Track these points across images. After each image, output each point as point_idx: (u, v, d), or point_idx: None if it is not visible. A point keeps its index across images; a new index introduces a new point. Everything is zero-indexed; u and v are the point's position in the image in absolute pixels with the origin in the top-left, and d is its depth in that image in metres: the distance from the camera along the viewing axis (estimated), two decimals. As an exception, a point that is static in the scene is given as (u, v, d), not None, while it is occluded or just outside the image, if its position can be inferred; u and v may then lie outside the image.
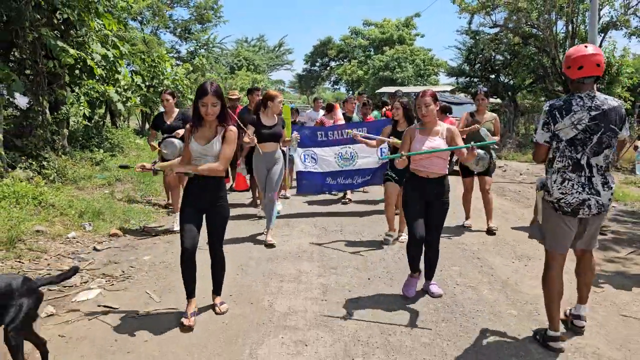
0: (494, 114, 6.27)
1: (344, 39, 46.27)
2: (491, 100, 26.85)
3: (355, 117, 8.91)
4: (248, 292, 4.19)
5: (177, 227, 5.91)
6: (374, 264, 4.97)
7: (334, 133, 7.44)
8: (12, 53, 8.91)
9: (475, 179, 6.34)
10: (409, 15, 41.53)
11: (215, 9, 20.25)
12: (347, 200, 8.20)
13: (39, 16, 7.68)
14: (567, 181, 3.07)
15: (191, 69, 15.98)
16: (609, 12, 18.67)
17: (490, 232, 6.14)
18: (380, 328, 3.53)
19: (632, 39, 18.26)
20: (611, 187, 3.10)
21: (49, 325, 3.56)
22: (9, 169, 7.28)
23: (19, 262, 4.76)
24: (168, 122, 6.37)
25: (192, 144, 3.49)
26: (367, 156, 7.33)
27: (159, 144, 6.29)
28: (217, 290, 3.85)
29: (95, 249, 5.45)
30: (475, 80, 26.55)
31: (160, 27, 16.61)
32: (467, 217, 6.52)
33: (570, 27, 19.79)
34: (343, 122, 8.15)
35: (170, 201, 7.36)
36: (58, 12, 8.61)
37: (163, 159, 5.86)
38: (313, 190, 7.64)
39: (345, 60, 46.43)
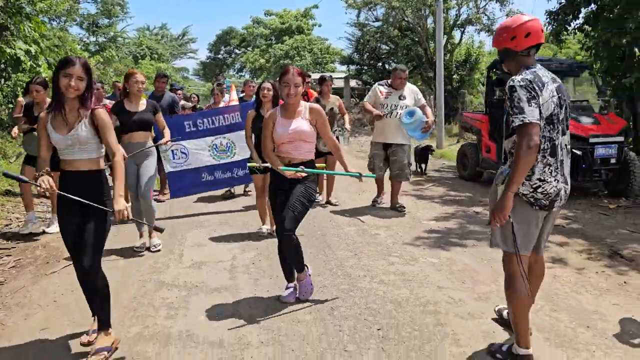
0: (337, 97, 6.96)
1: (246, 28, 47.92)
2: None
3: None
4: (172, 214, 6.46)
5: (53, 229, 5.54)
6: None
7: (203, 122, 6.55)
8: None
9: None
10: (308, 6, 44.07)
11: (122, 4, 21.52)
12: (249, 191, 7.81)
13: (-22, 20, 9.19)
14: (547, 167, 2.63)
15: (101, 60, 17.37)
16: (466, 11, 22.35)
17: (330, 203, 6.82)
18: (259, 224, 5.95)
19: (482, 34, 21.97)
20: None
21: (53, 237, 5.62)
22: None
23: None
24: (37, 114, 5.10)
25: (54, 135, 2.91)
26: (246, 145, 5.94)
27: (25, 134, 5.81)
28: (103, 324, 3.02)
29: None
30: (365, 68, 29.77)
31: (68, 21, 17.75)
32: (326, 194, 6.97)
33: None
34: (236, 102, 7.55)
35: None
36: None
37: (28, 156, 5.69)
38: (190, 192, 6.74)
39: (248, 48, 48.08)
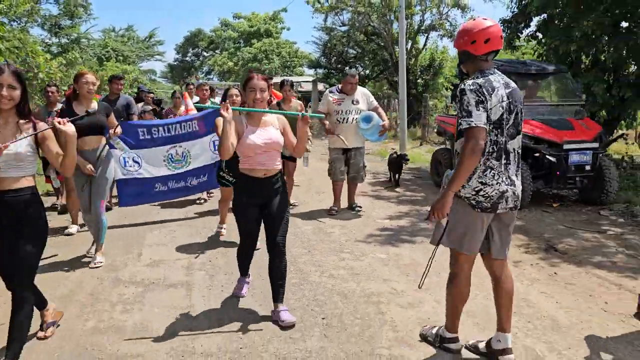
0: (300, 102, 6.88)
1: (214, 31, 47.87)
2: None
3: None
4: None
5: None
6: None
7: (158, 129, 6.19)
8: None
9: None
10: (277, 9, 44.26)
11: (85, 6, 21.28)
12: (201, 200, 7.46)
13: None
14: (489, 170, 2.70)
15: (64, 62, 17.14)
16: (430, 17, 22.92)
17: (291, 205, 6.68)
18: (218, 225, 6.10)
19: (444, 40, 22.63)
20: (520, 177, 2.86)
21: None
22: None
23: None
24: None
25: None
26: (200, 153, 6.40)
27: None
28: (40, 307, 3.22)
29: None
30: (333, 71, 30.14)
31: (29, 22, 17.47)
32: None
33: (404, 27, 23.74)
34: (194, 112, 7.12)
35: None
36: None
37: None
38: (140, 201, 6.31)
39: (216, 51, 47.97)
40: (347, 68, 27.81)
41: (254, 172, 3.40)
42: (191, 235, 5.66)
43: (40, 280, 4.03)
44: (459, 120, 2.67)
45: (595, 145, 6.81)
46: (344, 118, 6.35)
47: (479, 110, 2.62)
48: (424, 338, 3.12)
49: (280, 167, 3.53)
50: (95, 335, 3.28)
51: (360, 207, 6.75)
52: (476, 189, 2.71)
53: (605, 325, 3.34)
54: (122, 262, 4.72)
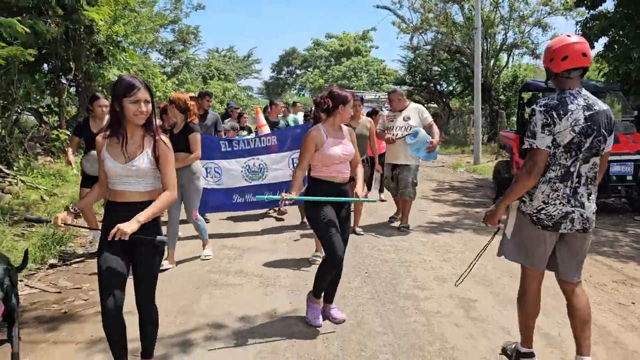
0: (369, 118, 6.77)
1: (307, 50, 50.69)
2: (430, 105, 31.76)
3: (282, 122, 8.58)
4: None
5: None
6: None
7: (239, 143, 6.66)
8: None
9: None
10: (366, 28, 46.13)
11: (195, 33, 24.39)
12: (273, 212, 7.63)
13: (88, 53, 11.63)
14: (554, 192, 2.70)
15: (177, 82, 19.90)
16: (512, 36, 23.45)
17: (355, 233, 6.28)
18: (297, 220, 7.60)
19: (525, 57, 23.04)
20: (594, 200, 2.80)
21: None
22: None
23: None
24: (95, 131, 5.17)
25: (109, 163, 2.63)
26: (278, 168, 6.67)
27: (82, 157, 5.47)
28: (146, 353, 2.90)
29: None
30: (417, 88, 31.26)
31: (149, 48, 20.54)
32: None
33: (486, 45, 24.43)
34: (266, 127, 7.56)
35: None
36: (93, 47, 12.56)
37: (85, 174, 5.40)
38: (219, 210, 6.92)
39: (309, 69, 50.69)
40: (431, 85, 29.13)
41: (333, 178, 3.65)
42: (276, 219, 7.26)
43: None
44: (525, 139, 2.73)
45: (637, 157, 7.42)
46: (394, 134, 6.43)
47: (543, 132, 2.63)
48: (504, 352, 3.18)
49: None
50: (210, 274, 4.90)
51: (408, 227, 6.59)
52: (538, 208, 2.74)
53: (578, 288, 4.41)
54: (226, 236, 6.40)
